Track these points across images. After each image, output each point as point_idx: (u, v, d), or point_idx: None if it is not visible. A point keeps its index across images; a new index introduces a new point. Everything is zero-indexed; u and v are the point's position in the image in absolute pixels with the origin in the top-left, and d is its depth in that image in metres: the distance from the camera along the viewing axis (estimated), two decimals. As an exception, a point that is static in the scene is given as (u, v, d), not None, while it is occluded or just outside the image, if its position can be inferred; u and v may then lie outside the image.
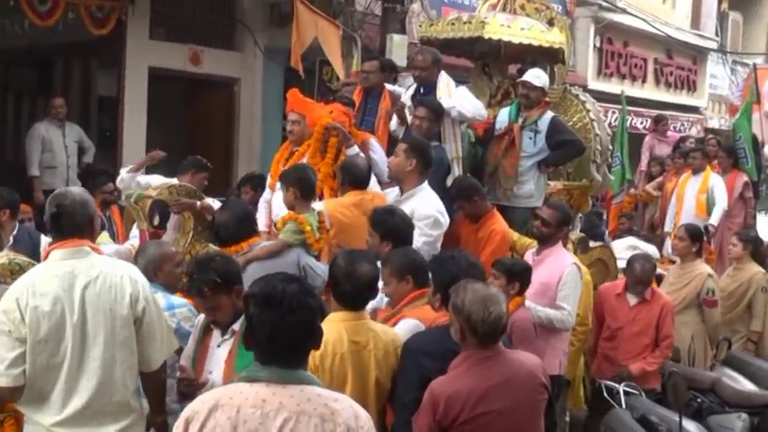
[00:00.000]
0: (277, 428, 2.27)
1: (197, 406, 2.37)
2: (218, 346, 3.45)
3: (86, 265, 3.22)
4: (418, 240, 4.87)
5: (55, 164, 8.52)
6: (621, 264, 7.28)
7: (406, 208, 4.98)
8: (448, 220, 5.15)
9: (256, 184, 6.65)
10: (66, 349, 3.14)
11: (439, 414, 3.19)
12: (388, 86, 6.53)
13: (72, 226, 3.26)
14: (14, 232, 5.69)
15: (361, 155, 5.46)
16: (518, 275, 4.58)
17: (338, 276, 3.50)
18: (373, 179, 5.34)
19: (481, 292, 3.22)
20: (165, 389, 3.43)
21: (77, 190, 3.49)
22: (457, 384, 3.22)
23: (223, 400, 2.33)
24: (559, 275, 5.09)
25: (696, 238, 6.66)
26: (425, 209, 4.97)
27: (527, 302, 4.72)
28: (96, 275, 3.20)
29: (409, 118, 5.90)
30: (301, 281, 2.52)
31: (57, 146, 8.53)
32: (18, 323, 3.10)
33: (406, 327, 3.70)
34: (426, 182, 5.15)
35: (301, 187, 4.71)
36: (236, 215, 4.53)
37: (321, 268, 4.43)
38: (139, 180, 5.73)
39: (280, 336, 2.34)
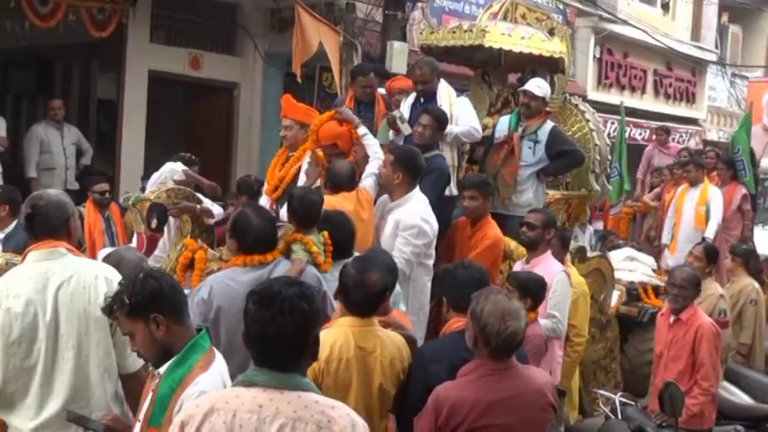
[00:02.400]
0: None
1: (192, 410, 2.34)
2: (153, 389, 2.76)
3: (61, 266, 3.19)
4: (404, 250, 4.85)
5: (53, 165, 8.52)
6: (618, 275, 7.30)
7: (393, 217, 5.01)
8: (435, 227, 5.09)
9: (241, 189, 6.61)
10: (39, 351, 3.10)
11: (441, 420, 3.16)
12: (381, 91, 6.50)
13: (46, 227, 3.24)
14: (8, 230, 5.64)
15: (367, 136, 5.49)
16: (532, 291, 4.59)
17: (349, 285, 3.50)
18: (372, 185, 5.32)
19: (502, 305, 3.17)
20: None
21: (54, 192, 3.46)
22: (463, 392, 3.19)
23: (219, 404, 2.31)
24: (549, 283, 5.05)
25: (712, 259, 6.58)
26: (410, 219, 4.95)
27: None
28: (70, 276, 3.17)
29: (403, 127, 5.85)
30: (302, 285, 2.46)
31: (55, 147, 8.53)
32: None
33: None
34: (417, 188, 5.12)
35: (297, 218, 4.49)
36: (271, 222, 4.14)
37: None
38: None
39: (269, 337, 2.32)
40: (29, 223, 3.28)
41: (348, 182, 5.11)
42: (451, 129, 5.82)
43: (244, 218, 3.99)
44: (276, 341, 2.32)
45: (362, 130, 5.54)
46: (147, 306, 2.69)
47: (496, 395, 3.18)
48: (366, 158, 5.46)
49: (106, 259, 3.94)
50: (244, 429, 2.26)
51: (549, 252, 5.29)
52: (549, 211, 5.57)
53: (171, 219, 5.41)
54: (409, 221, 4.94)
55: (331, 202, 4.88)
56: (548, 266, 5.17)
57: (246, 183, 6.72)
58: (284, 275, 2.58)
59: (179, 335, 2.72)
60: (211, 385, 2.62)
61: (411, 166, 5.09)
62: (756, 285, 7.15)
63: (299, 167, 5.63)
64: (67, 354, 3.13)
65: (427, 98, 6.03)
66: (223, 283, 3.82)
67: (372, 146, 5.49)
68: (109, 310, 2.80)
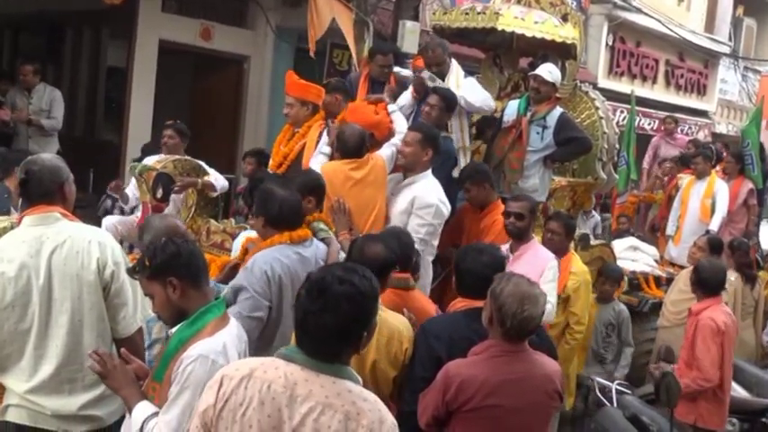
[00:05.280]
0: (301, 415, 2.26)
1: (232, 371, 2.36)
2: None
3: (54, 230, 3.19)
4: (420, 230, 4.85)
5: (17, 131, 8.36)
6: (620, 264, 7.30)
7: (408, 194, 4.96)
8: (449, 207, 5.11)
9: (261, 160, 6.60)
10: (33, 315, 3.12)
11: (449, 396, 3.19)
12: (394, 69, 6.50)
13: (39, 192, 3.24)
14: None
15: (396, 113, 5.50)
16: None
17: (352, 254, 3.60)
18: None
19: (522, 288, 3.19)
20: (143, 356, 3.32)
21: (48, 156, 3.44)
22: (473, 370, 3.21)
23: (258, 371, 2.32)
24: (541, 270, 4.96)
25: (716, 250, 6.56)
26: (427, 197, 4.93)
27: None
28: (63, 241, 3.18)
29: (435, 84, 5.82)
30: (355, 284, 2.33)
31: (21, 113, 8.27)
32: None
33: None
34: (430, 169, 5.11)
35: (320, 198, 4.44)
36: (298, 198, 4.01)
37: None
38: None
39: (310, 328, 2.31)
40: (23, 188, 3.29)
41: (355, 148, 5.01)
42: (462, 92, 5.81)
43: (268, 192, 3.91)
44: (316, 333, 2.30)
45: (392, 107, 5.54)
46: (164, 269, 2.78)
47: (506, 376, 3.21)
48: None
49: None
50: (275, 402, 2.27)
51: (535, 239, 5.19)
52: (530, 197, 5.40)
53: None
54: (426, 200, 4.91)
55: (326, 168, 4.88)
56: (538, 254, 5.05)
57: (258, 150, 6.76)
58: (345, 263, 2.53)
59: (194, 299, 2.80)
60: (211, 351, 2.68)
61: (437, 145, 5.07)
62: (732, 279, 7.12)
63: (304, 144, 5.63)
64: (61, 318, 3.15)
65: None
66: (278, 261, 3.76)
67: (400, 123, 5.46)
68: (133, 271, 2.92)
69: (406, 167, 5.10)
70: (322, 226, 4.22)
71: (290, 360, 2.32)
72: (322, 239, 4.13)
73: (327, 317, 2.28)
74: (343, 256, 4.18)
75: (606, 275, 6.56)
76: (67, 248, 3.17)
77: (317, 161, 5.17)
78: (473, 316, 3.45)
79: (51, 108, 8.51)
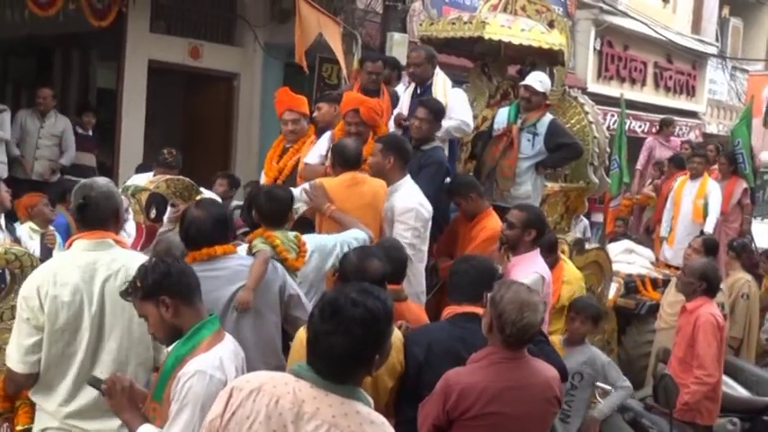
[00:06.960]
0: None
1: (243, 383, 2.36)
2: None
3: (108, 257, 3.22)
4: (405, 235, 4.85)
5: (22, 153, 8.37)
6: (617, 267, 7.32)
7: (389, 204, 4.97)
8: (430, 209, 5.06)
9: (232, 182, 6.60)
10: (81, 340, 3.14)
11: (449, 404, 3.20)
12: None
13: (97, 218, 3.27)
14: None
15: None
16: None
17: (348, 271, 3.57)
18: None
19: (522, 296, 3.21)
20: None
21: (103, 181, 3.45)
22: (473, 378, 3.22)
23: (267, 386, 2.32)
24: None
25: (711, 252, 6.57)
26: (405, 203, 4.93)
27: None
28: (117, 269, 3.20)
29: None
30: (368, 308, 2.29)
31: (30, 137, 8.38)
32: (37, 311, 3.10)
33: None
34: (408, 176, 5.10)
35: (262, 214, 4.30)
36: (213, 215, 3.82)
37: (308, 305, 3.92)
38: None
39: (320, 348, 2.29)
40: (80, 213, 3.31)
41: (354, 159, 4.97)
42: (443, 123, 5.77)
43: (185, 212, 3.88)
44: (325, 354, 2.29)
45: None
46: (155, 289, 2.80)
47: (506, 383, 3.22)
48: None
49: (156, 246, 4.03)
50: (282, 418, 2.26)
51: (535, 251, 4.77)
52: (535, 209, 5.07)
53: (169, 209, 5.41)
54: (405, 205, 4.92)
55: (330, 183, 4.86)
56: (525, 266, 4.68)
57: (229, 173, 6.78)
58: (360, 284, 2.47)
59: (187, 316, 2.82)
60: (208, 366, 2.68)
61: (400, 150, 5.05)
62: (749, 279, 7.17)
63: (299, 158, 5.64)
64: (109, 345, 3.18)
65: (423, 88, 6.05)
66: None
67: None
68: (125, 294, 2.92)
69: (374, 176, 5.08)
70: (257, 242, 4.06)
71: (300, 377, 2.32)
72: (254, 254, 4.00)
73: (338, 339, 2.26)
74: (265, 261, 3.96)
75: (577, 310, 5.06)
76: (122, 278, 3.17)
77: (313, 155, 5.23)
78: (456, 321, 3.50)
79: (63, 138, 8.54)
